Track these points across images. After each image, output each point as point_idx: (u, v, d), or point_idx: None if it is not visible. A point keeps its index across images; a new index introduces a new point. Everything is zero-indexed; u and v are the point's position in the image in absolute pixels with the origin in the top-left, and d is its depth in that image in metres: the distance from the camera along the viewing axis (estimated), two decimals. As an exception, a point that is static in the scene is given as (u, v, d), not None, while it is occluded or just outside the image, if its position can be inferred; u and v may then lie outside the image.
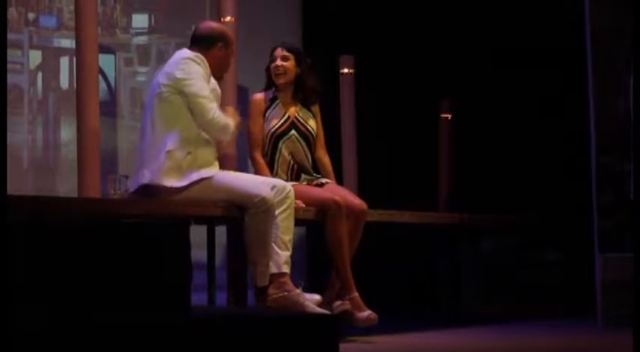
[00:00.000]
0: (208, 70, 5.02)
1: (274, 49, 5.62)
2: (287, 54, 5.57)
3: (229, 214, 4.94)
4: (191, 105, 4.92)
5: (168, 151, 4.87)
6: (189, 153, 4.89)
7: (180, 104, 4.92)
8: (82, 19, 4.98)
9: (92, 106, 4.96)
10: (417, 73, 7.56)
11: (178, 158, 4.87)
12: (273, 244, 4.93)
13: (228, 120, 5.02)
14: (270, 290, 4.94)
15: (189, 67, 4.95)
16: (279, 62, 5.56)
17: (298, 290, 4.96)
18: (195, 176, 4.88)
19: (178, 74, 4.94)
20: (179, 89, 4.92)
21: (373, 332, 5.34)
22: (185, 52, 5.04)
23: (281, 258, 4.94)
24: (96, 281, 2.82)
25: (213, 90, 5.04)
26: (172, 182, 4.84)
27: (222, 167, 5.14)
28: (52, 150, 6.12)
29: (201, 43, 5.10)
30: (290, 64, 5.57)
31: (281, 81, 5.58)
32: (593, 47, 5.96)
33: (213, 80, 5.09)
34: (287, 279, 4.96)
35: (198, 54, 5.01)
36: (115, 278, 2.85)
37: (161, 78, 5.00)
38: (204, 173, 4.90)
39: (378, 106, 7.45)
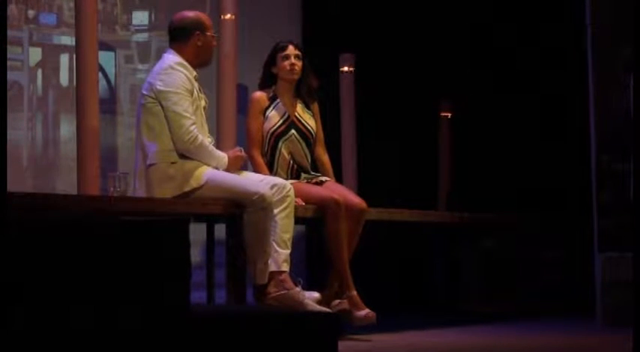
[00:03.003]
0: (192, 75, 4.97)
1: (283, 46, 5.55)
2: (299, 53, 5.55)
3: (229, 212, 4.94)
4: (167, 118, 4.89)
5: (149, 165, 4.87)
6: (173, 163, 4.87)
7: (162, 115, 4.88)
8: (82, 16, 4.98)
9: (92, 103, 4.96)
10: (418, 71, 7.55)
11: (163, 170, 4.86)
12: (273, 242, 4.92)
13: (212, 149, 4.95)
14: (270, 289, 4.94)
15: (169, 78, 4.90)
16: (294, 60, 5.53)
17: (298, 288, 4.96)
18: (185, 185, 4.87)
19: (159, 85, 4.89)
20: (159, 99, 4.89)
21: (372, 331, 5.33)
22: (167, 60, 4.98)
23: (280, 256, 4.94)
24: (95, 278, 2.82)
25: (195, 100, 4.96)
26: (166, 192, 4.84)
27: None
28: (51, 148, 6.12)
29: (177, 37, 5.05)
30: (301, 62, 5.55)
31: (295, 78, 5.55)
32: (593, 47, 5.96)
33: (196, 88, 5.01)
34: (286, 277, 4.96)
35: (180, 60, 4.96)
36: (113, 276, 2.85)
37: (145, 87, 4.97)
38: (195, 182, 4.88)
39: (378, 105, 7.44)
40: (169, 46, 5.07)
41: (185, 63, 4.95)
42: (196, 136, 4.87)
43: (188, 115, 4.87)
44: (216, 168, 4.96)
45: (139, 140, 4.95)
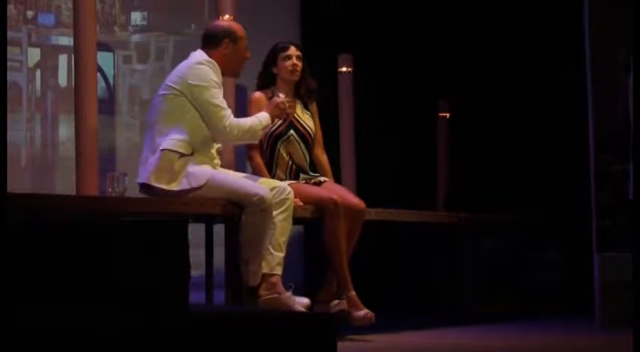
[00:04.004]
0: (220, 74, 5.00)
1: (284, 47, 5.54)
2: (300, 53, 5.55)
3: (227, 213, 4.93)
4: (202, 113, 4.91)
5: (162, 150, 4.85)
6: (182, 155, 4.87)
7: (186, 107, 4.90)
8: (80, 16, 4.98)
9: (90, 104, 4.95)
10: (416, 71, 7.55)
11: (171, 159, 4.84)
12: (269, 245, 4.90)
13: (249, 121, 5.00)
14: (261, 291, 4.91)
15: (201, 73, 4.93)
16: (296, 61, 5.53)
17: (288, 293, 4.94)
18: (185, 184, 4.86)
19: (191, 80, 4.91)
20: (190, 94, 4.90)
21: (371, 331, 5.33)
22: (198, 56, 5.02)
23: (275, 259, 4.92)
24: (94, 279, 2.81)
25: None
26: (162, 183, 4.83)
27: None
28: (50, 148, 6.11)
29: (207, 42, 5.09)
30: (301, 63, 5.55)
31: (296, 78, 5.55)
32: (593, 47, 5.96)
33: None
34: (278, 280, 4.93)
35: (210, 59, 4.99)
36: (112, 277, 2.84)
37: (171, 79, 4.98)
38: (195, 182, 4.88)
39: (377, 105, 7.45)
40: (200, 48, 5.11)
41: (213, 61, 4.98)
42: (235, 124, 4.93)
43: (225, 106, 4.94)
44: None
45: (153, 129, 4.94)
